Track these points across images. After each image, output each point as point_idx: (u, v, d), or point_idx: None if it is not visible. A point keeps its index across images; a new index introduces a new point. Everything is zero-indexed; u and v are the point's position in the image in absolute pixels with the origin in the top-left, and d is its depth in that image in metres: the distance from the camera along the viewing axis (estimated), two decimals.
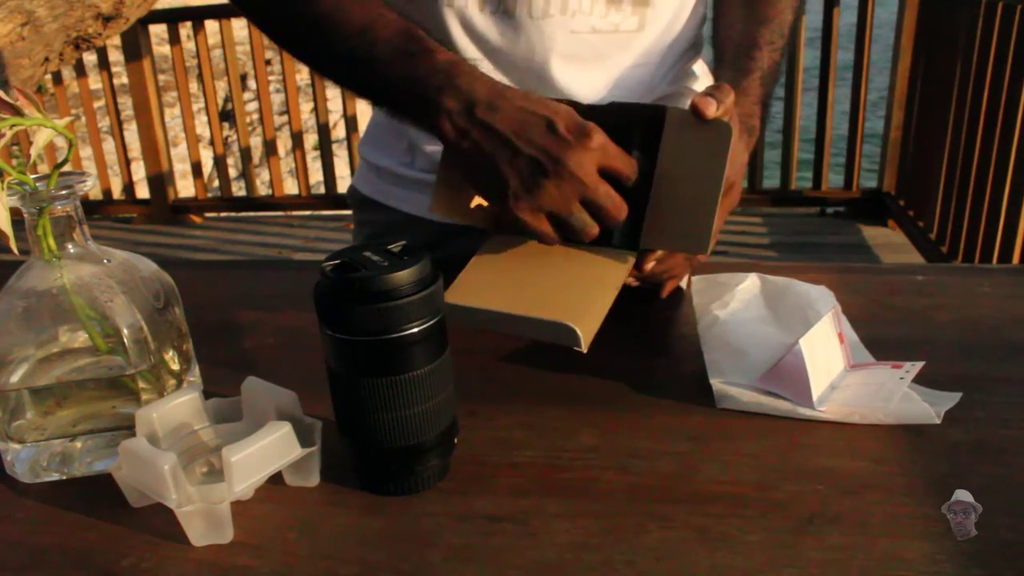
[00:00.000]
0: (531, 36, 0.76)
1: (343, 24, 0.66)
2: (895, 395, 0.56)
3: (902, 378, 0.58)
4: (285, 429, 0.50)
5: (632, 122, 0.63)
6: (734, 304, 0.68)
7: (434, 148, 0.79)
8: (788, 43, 0.77)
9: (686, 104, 0.62)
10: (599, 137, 0.60)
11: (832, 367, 0.60)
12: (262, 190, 4.03)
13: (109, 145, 3.92)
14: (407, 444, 0.50)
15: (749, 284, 0.71)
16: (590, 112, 0.62)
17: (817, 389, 0.57)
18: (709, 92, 0.61)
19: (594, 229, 0.61)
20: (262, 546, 0.48)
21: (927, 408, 0.55)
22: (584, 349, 0.58)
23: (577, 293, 0.61)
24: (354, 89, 0.71)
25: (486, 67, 0.78)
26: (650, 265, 0.64)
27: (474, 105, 0.61)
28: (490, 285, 0.63)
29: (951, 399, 0.57)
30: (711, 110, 0.60)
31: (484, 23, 0.76)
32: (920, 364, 0.59)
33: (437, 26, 0.77)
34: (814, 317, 0.63)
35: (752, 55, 0.73)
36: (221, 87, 4.06)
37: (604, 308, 0.60)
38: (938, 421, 0.55)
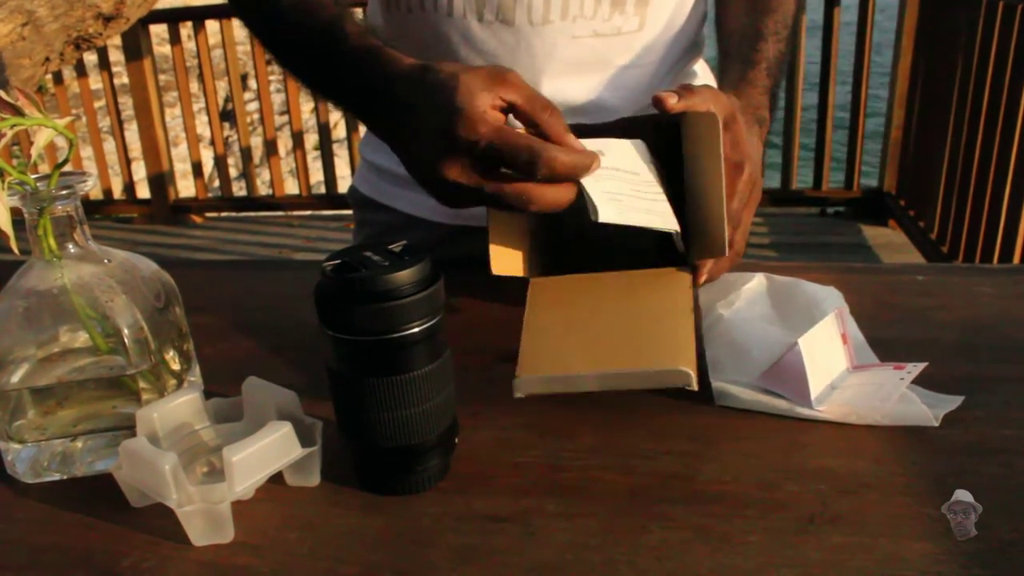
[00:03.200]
0: (531, 43, 0.76)
1: (294, 28, 0.67)
2: (893, 395, 0.56)
3: (902, 379, 0.57)
4: (286, 429, 0.50)
5: (646, 135, 0.62)
6: (739, 303, 0.68)
7: None
8: (792, 34, 0.76)
9: None
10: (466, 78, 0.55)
11: (833, 367, 0.60)
12: (263, 190, 4.03)
13: (109, 145, 3.93)
14: (407, 444, 0.50)
15: (755, 283, 0.71)
16: (599, 132, 0.61)
17: (816, 388, 0.57)
18: (668, 89, 0.61)
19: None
20: (262, 546, 0.48)
21: (925, 410, 0.55)
22: (695, 387, 0.52)
23: (658, 329, 0.56)
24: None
25: None
26: (703, 279, 0.61)
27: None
28: (561, 347, 0.56)
29: (952, 402, 0.56)
30: (672, 101, 0.59)
31: (484, 32, 0.76)
32: (922, 365, 0.58)
33: (438, 38, 0.77)
34: (820, 317, 0.63)
35: (757, 46, 0.73)
36: (222, 87, 4.06)
37: (691, 336, 0.55)
38: (936, 424, 0.55)
